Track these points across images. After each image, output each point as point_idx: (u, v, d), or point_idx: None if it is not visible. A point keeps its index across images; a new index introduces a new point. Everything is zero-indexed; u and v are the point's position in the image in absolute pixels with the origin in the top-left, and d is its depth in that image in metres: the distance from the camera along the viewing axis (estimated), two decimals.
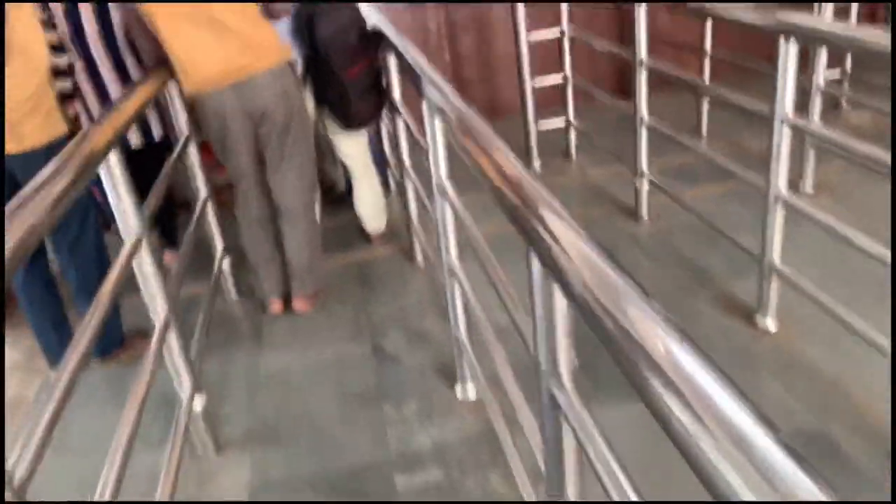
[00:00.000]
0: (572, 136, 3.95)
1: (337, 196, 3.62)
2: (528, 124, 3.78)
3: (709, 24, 3.87)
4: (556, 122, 3.93)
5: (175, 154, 2.40)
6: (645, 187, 3.05)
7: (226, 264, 2.77)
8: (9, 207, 1.16)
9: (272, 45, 2.30)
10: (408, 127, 2.52)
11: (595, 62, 4.49)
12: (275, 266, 2.65)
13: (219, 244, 2.71)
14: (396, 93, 2.62)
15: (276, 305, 2.68)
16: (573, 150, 3.99)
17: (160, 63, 2.35)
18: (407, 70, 2.18)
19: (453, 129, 1.45)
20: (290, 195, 2.51)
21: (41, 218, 1.19)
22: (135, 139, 2.90)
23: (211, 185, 2.72)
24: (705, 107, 4.00)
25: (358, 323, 2.63)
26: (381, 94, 2.80)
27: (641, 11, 2.66)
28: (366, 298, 2.77)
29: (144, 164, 2.84)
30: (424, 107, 1.72)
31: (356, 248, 3.22)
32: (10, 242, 1.04)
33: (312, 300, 2.70)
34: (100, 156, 1.58)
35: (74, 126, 2.89)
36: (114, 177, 1.58)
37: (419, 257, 2.96)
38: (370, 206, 3.11)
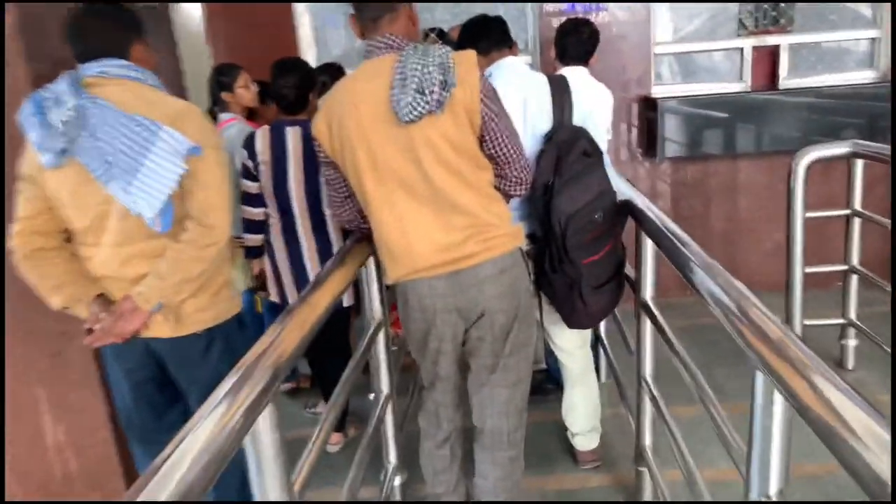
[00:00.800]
0: (851, 340, 3.03)
1: (536, 380, 2.93)
2: (794, 320, 2.93)
3: None
4: (831, 319, 3.05)
5: (363, 345, 1.90)
6: None
7: (397, 481, 2.17)
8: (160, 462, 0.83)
9: (505, 227, 1.74)
10: (664, 335, 1.85)
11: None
12: (458, 501, 2.02)
13: (392, 456, 2.14)
14: (649, 291, 1.97)
15: None
16: (850, 359, 3.05)
17: (362, 232, 1.90)
18: (673, 256, 1.62)
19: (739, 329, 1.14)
20: (496, 417, 1.89)
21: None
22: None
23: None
24: None
25: None
26: (620, 286, 2.17)
27: None
28: None
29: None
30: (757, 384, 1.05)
31: (557, 468, 2.49)
32: None
33: None
34: (284, 367, 1.16)
35: (258, 284, 2.57)
36: (260, 445, 1.05)
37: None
38: (584, 419, 2.41)
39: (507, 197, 1.80)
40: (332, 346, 2.48)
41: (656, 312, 1.93)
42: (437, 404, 1.95)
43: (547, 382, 2.98)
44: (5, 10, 1.85)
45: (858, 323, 2.96)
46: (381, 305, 1.99)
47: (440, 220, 1.67)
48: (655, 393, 1.96)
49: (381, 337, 2.00)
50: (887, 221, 2.85)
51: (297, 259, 2.40)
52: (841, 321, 3.03)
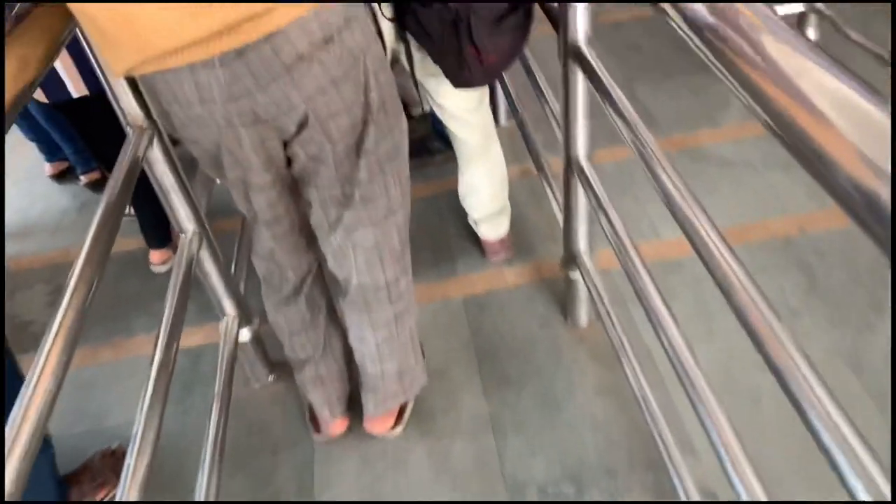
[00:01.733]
0: None
1: (417, 135, 2.06)
2: None
3: None
4: None
5: (125, 159, 1.10)
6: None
7: (245, 335, 1.53)
8: None
9: None
10: (602, 88, 1.14)
11: None
12: (331, 366, 1.41)
13: (228, 306, 1.46)
14: (580, 26, 1.20)
15: (333, 427, 1.47)
16: None
17: None
18: None
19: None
20: (365, 271, 1.20)
21: None
22: (72, 88, 1.66)
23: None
24: None
25: (485, 475, 1.40)
26: (529, 15, 1.39)
27: None
28: (494, 403, 1.50)
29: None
30: None
31: (459, 265, 1.90)
32: None
33: (398, 419, 1.48)
34: None
35: None
36: None
37: (582, 314, 1.64)
38: (489, 201, 1.77)
39: None
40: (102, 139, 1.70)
41: (591, 59, 1.19)
42: (270, 250, 1.23)
43: (433, 140, 2.28)
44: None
45: None
46: (140, 112, 1.14)
47: None
48: (595, 183, 1.31)
49: (155, 153, 1.19)
50: None
51: None
52: None
